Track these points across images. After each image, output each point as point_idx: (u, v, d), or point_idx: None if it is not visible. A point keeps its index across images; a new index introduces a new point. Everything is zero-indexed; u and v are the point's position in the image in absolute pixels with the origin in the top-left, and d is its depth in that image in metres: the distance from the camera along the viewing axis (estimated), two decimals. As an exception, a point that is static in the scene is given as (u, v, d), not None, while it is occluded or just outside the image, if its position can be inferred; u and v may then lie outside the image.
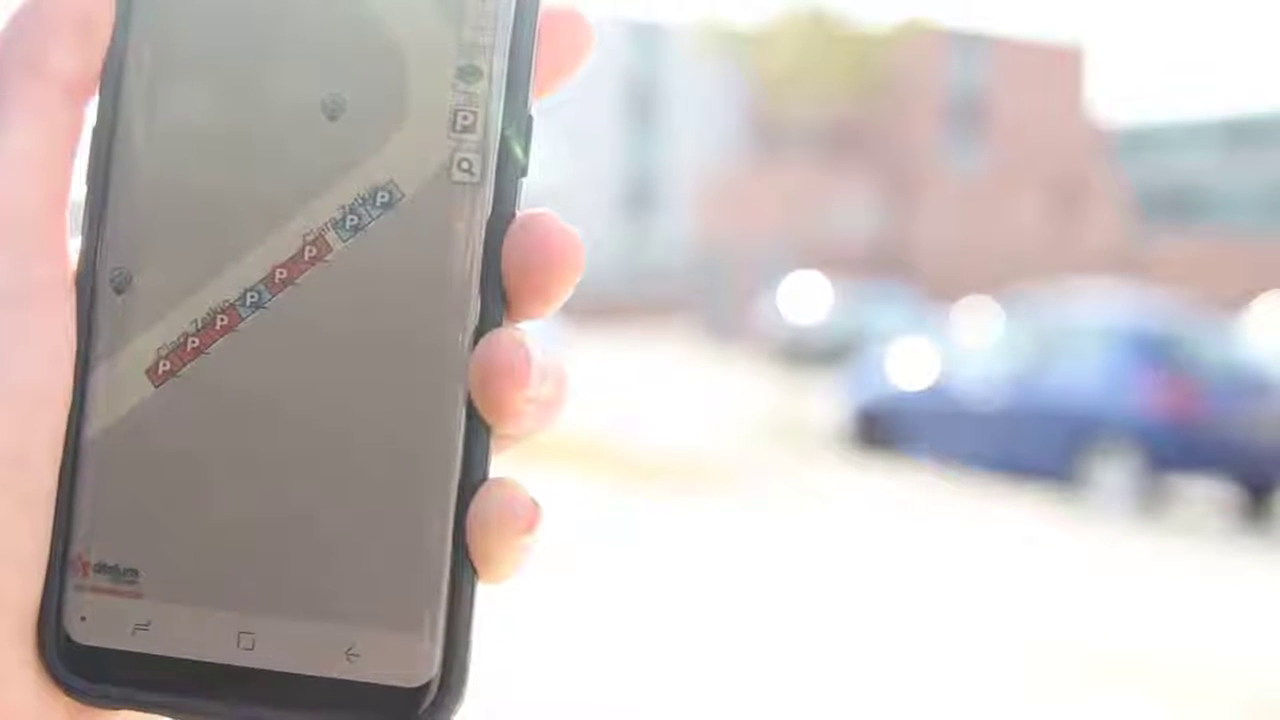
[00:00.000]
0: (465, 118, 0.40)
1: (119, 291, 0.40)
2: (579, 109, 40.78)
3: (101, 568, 0.39)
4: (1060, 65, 39.39)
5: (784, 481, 9.81)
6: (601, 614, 5.72)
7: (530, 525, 0.39)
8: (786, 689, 4.86)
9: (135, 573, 0.39)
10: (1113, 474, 9.73)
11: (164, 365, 0.39)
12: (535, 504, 0.40)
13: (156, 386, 0.39)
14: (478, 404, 0.39)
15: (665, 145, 44.30)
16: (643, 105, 44.35)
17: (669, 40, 42.78)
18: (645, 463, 10.06)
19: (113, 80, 0.40)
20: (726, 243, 31.54)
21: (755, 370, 20.00)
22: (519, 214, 0.40)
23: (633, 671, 4.94)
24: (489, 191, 0.40)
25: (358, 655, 0.39)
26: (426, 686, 0.39)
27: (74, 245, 0.40)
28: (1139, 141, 46.30)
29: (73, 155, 0.40)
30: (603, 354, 19.91)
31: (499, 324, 0.40)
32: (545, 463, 7.95)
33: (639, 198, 44.14)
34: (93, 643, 0.39)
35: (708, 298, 31.18)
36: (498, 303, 0.40)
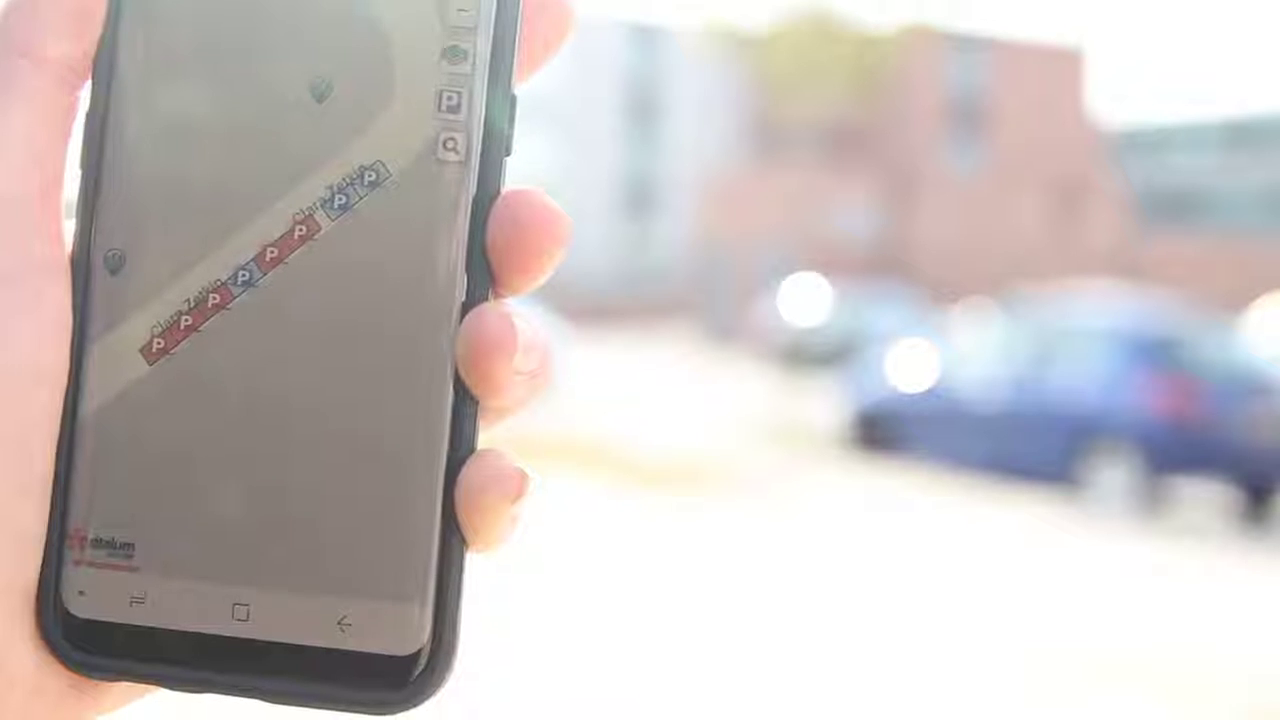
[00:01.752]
0: (450, 98, 0.41)
1: (113, 272, 0.40)
2: (580, 110, 40.79)
3: (98, 542, 0.40)
4: (1060, 66, 39.36)
5: (784, 483, 9.81)
6: (600, 615, 5.72)
7: (518, 494, 0.40)
8: (787, 690, 4.86)
9: (131, 547, 0.40)
10: (1112, 475, 9.73)
11: (158, 343, 0.40)
12: (523, 473, 0.40)
13: (151, 364, 0.40)
14: (465, 377, 0.40)
15: (666, 146, 44.30)
16: (643, 107, 44.35)
17: (670, 42, 42.78)
18: (645, 464, 10.06)
19: (106, 65, 0.41)
20: (727, 244, 31.54)
21: (755, 371, 19.99)
22: (504, 191, 0.41)
23: (632, 672, 4.94)
24: (474, 170, 0.41)
25: (350, 625, 0.39)
26: (417, 655, 0.40)
27: (68, 227, 0.41)
28: (1139, 142, 46.27)
29: (67, 139, 0.41)
30: (602, 355, 19.90)
31: (485, 299, 0.40)
32: (545, 463, 7.95)
33: (639, 199, 44.13)
34: (91, 616, 0.40)
35: (708, 299, 31.17)
36: (484, 278, 0.41)
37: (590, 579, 6.25)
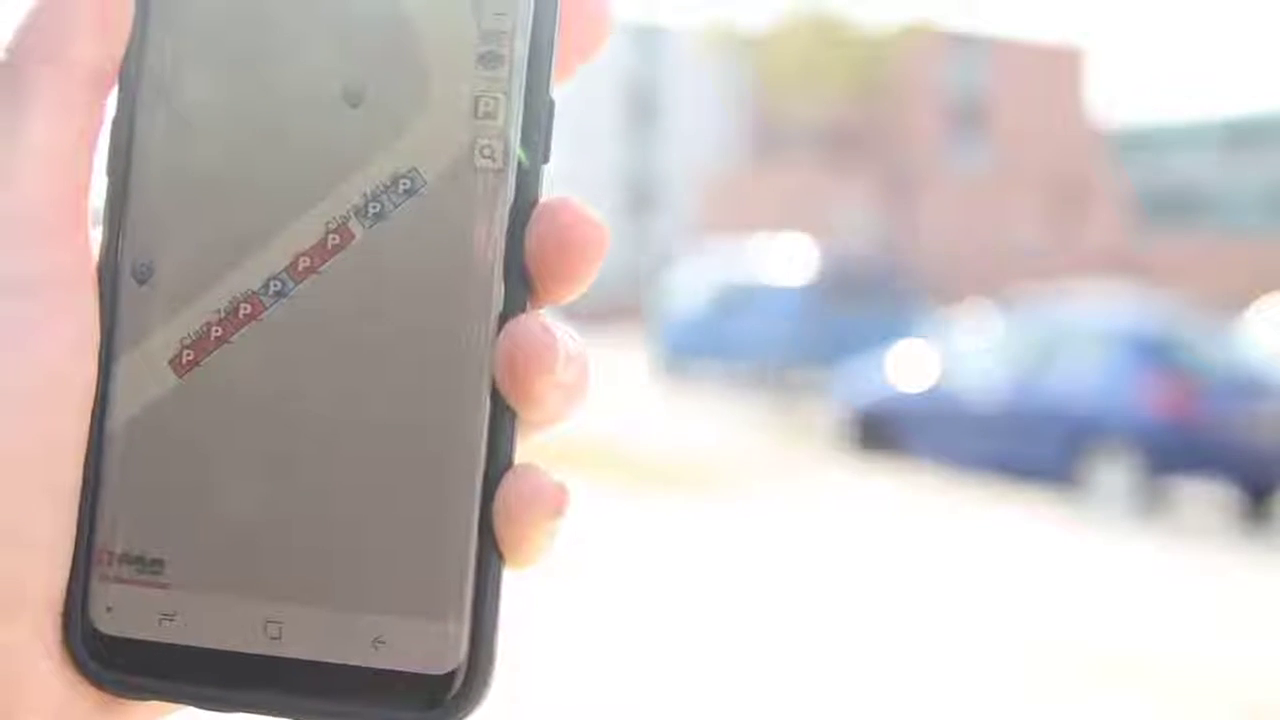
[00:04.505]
0: (487, 104, 0.40)
1: (141, 282, 0.40)
2: (580, 110, 40.76)
3: (127, 558, 0.39)
4: (1060, 66, 39.38)
5: (784, 483, 9.80)
6: (608, 616, 5.71)
7: (558, 509, 0.39)
8: (789, 689, 4.85)
9: (161, 563, 0.39)
10: (1112, 475, 9.72)
11: (187, 355, 0.39)
12: (562, 488, 0.40)
13: (180, 377, 0.39)
14: (503, 389, 0.39)
15: (666, 146, 44.28)
16: (644, 106, 44.33)
17: (670, 42, 42.75)
18: (646, 465, 10.05)
19: (133, 70, 0.40)
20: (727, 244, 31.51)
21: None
22: (541, 200, 0.40)
23: (640, 673, 4.94)
24: (511, 178, 0.40)
25: (384, 643, 0.39)
26: (453, 674, 0.39)
27: (96, 236, 0.40)
28: (1139, 142, 46.27)
29: (94, 146, 0.40)
30: (604, 356, 19.88)
31: (524, 310, 0.40)
32: (547, 465, 7.93)
33: (640, 199, 44.11)
34: (119, 633, 0.39)
35: (708, 299, 31.10)
36: (522, 288, 0.40)
37: (595, 579, 6.24)
